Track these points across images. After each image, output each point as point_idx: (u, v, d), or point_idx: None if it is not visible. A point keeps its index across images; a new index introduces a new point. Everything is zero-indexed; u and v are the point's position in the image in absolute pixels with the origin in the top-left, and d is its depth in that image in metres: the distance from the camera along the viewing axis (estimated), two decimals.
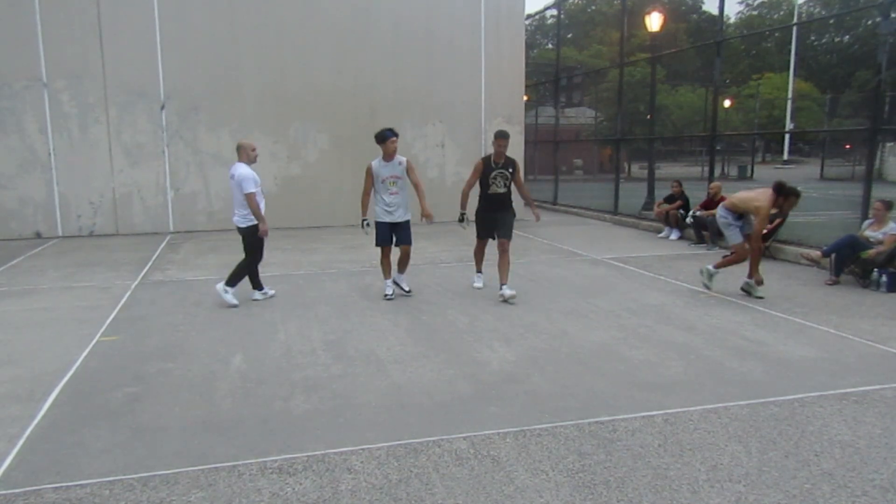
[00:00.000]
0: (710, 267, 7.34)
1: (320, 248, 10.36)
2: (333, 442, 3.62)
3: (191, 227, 12.66)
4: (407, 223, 6.94)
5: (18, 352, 5.29)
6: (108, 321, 6.18)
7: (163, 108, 12.35)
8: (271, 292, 7.16)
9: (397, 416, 3.98)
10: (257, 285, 7.07)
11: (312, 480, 3.22)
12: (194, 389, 4.44)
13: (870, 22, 35.95)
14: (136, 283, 7.92)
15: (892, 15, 8.77)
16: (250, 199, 6.56)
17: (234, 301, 6.75)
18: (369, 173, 6.80)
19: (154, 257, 9.75)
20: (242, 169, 6.61)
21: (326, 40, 12.96)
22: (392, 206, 6.83)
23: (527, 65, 15.36)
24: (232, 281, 6.79)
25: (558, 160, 18.47)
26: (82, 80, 11.88)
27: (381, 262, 7.00)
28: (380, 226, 6.87)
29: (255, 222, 6.67)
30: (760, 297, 6.97)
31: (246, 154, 6.71)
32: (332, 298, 7.07)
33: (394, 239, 7.00)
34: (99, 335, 5.72)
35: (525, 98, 15.77)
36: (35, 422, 3.93)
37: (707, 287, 7.29)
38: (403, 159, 6.84)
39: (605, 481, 3.20)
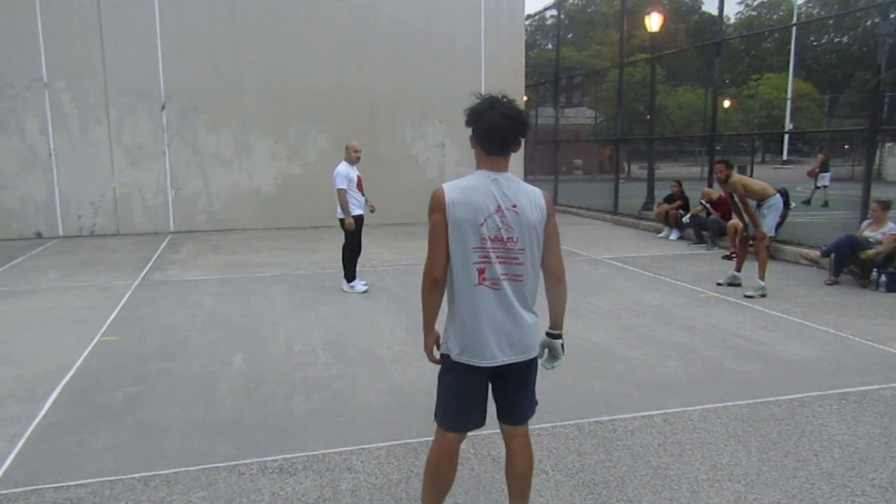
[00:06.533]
0: (759, 282, 7.06)
1: (320, 248, 10.35)
2: (333, 442, 3.63)
3: (191, 227, 12.67)
4: (531, 367, 2.57)
5: (19, 352, 5.29)
6: (109, 321, 6.19)
7: (163, 108, 12.36)
8: (361, 288, 7.36)
9: (397, 416, 3.98)
10: (349, 277, 7.48)
11: (312, 480, 3.22)
12: (194, 389, 4.44)
13: (869, 22, 35.95)
14: (136, 283, 7.93)
15: (892, 15, 8.79)
16: (339, 195, 7.12)
17: (364, 287, 7.35)
18: (440, 211, 2.41)
19: (154, 257, 9.76)
20: (338, 167, 7.24)
21: (326, 40, 12.97)
22: (502, 320, 2.44)
23: (527, 65, 15.38)
24: (349, 276, 7.40)
25: (558, 160, 18.47)
26: (83, 80, 11.89)
27: (431, 465, 2.62)
28: (457, 372, 2.51)
29: (351, 214, 7.23)
30: (738, 285, 7.39)
31: (348, 154, 7.31)
32: (332, 298, 7.08)
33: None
34: (99, 335, 5.73)
35: (525, 98, 15.79)
36: (36, 421, 3.93)
37: (763, 296, 7.00)
38: (537, 192, 2.52)
39: (604, 481, 3.20)
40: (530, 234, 2.43)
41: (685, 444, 3.58)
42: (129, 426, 3.86)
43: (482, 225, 2.38)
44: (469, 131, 2.50)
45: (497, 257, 2.40)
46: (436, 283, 2.44)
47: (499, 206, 2.39)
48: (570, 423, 3.85)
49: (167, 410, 4.09)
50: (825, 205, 16.56)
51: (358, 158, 7.35)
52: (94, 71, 11.90)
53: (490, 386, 2.56)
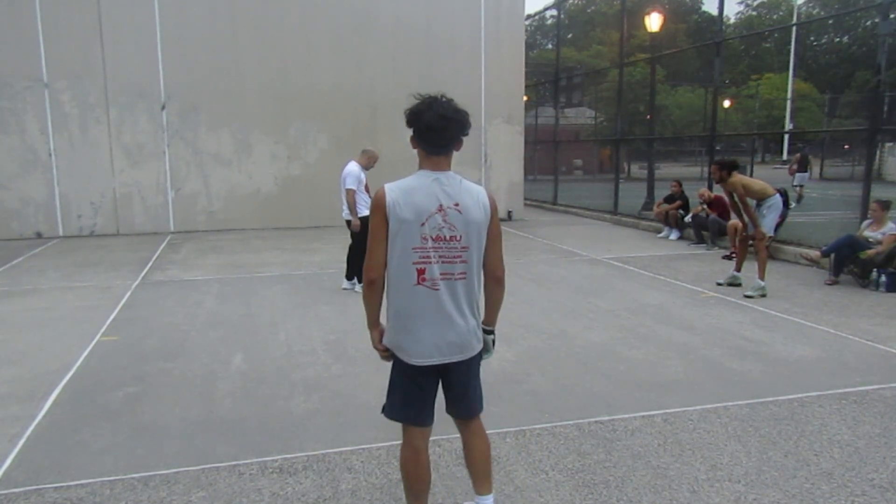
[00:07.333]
0: (759, 282, 7.06)
1: (320, 248, 10.36)
2: (333, 442, 3.63)
3: (191, 227, 12.67)
4: (473, 363, 2.60)
5: (19, 352, 5.30)
6: (109, 321, 6.19)
7: (163, 108, 12.36)
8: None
9: None
10: (352, 275, 7.44)
11: (312, 480, 3.22)
12: (194, 389, 4.44)
13: (869, 22, 35.96)
14: (136, 283, 7.93)
15: (892, 15, 8.79)
16: (349, 195, 7.08)
17: None
18: (380, 212, 2.42)
19: (154, 257, 9.76)
20: (350, 167, 7.18)
21: (326, 40, 12.97)
22: (440, 320, 2.46)
23: (527, 65, 15.38)
24: (350, 274, 7.38)
25: (558, 160, 18.48)
26: (83, 80, 11.89)
27: (403, 468, 2.64)
28: (400, 368, 2.58)
29: (358, 215, 7.16)
30: (738, 285, 7.39)
31: (365, 158, 7.30)
32: (332, 298, 7.08)
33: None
34: (99, 335, 5.73)
35: (525, 98, 15.79)
36: (36, 421, 3.93)
37: (763, 296, 6.99)
38: (481, 191, 2.54)
39: (604, 481, 3.20)
40: (474, 232, 2.44)
41: (685, 444, 3.58)
42: (129, 426, 3.86)
43: (423, 225, 2.39)
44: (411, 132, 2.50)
45: (439, 257, 2.41)
46: (372, 283, 2.47)
47: (441, 206, 2.41)
48: (570, 423, 3.85)
49: (167, 410, 4.09)
50: (798, 201, 16.56)
51: (372, 166, 7.38)
52: (94, 71, 11.90)
53: (436, 389, 2.60)
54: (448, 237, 2.41)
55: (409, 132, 2.51)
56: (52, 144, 11.88)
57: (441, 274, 2.42)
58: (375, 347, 2.62)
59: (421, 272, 2.41)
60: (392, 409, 2.62)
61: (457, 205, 2.41)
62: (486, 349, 2.67)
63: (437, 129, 2.41)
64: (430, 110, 2.41)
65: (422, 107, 2.44)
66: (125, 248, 10.75)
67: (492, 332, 2.69)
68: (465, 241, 2.43)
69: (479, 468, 2.68)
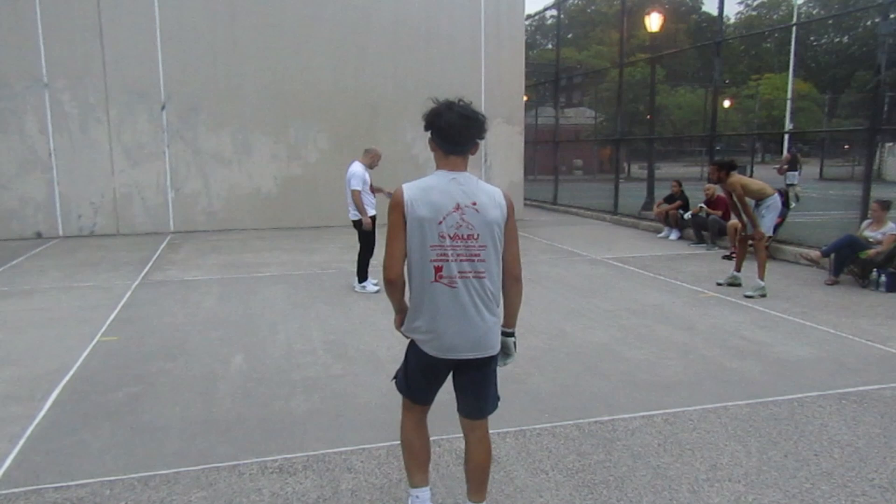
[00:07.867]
0: (759, 282, 7.06)
1: (320, 248, 10.36)
2: (333, 442, 3.63)
3: (191, 227, 12.67)
4: (492, 362, 2.62)
5: (19, 352, 5.29)
6: (109, 321, 6.18)
7: (163, 108, 12.36)
8: (373, 288, 7.29)
9: (397, 415, 3.95)
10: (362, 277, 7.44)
11: (312, 480, 3.22)
12: (194, 389, 4.44)
13: (869, 22, 35.95)
14: (136, 283, 7.93)
15: (892, 15, 8.79)
16: (355, 196, 7.06)
17: (375, 288, 7.23)
18: (398, 210, 2.46)
19: (154, 257, 9.76)
20: (353, 167, 7.17)
21: (326, 40, 12.97)
22: (458, 317, 2.48)
23: (527, 65, 15.38)
24: (360, 276, 7.33)
25: (558, 160, 18.48)
26: (83, 80, 11.89)
27: (405, 436, 2.76)
28: (417, 354, 2.59)
29: (367, 215, 7.16)
30: (738, 285, 7.39)
31: (368, 157, 7.27)
32: (332, 298, 7.08)
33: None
34: (99, 335, 5.73)
35: (525, 98, 15.79)
36: (36, 421, 3.93)
37: (763, 296, 6.99)
38: (497, 191, 2.61)
39: (604, 481, 3.20)
40: (491, 231, 2.46)
41: (685, 444, 3.58)
42: (129, 426, 3.86)
43: (441, 223, 2.42)
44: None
45: (456, 255, 2.43)
46: (390, 282, 2.52)
47: (458, 204, 2.43)
48: (570, 423, 3.85)
49: (167, 410, 4.09)
50: (797, 200, 16.58)
51: (376, 164, 7.37)
52: (94, 71, 11.90)
53: (452, 378, 2.62)
54: (466, 235, 2.43)
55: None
56: (51, 144, 11.88)
57: (459, 272, 2.44)
58: (397, 329, 2.68)
59: (438, 269, 2.43)
60: (403, 384, 2.70)
61: (474, 204, 2.45)
62: (508, 353, 2.66)
63: (460, 127, 2.45)
64: (451, 111, 2.46)
65: (441, 108, 2.49)
66: (125, 248, 10.75)
67: (512, 335, 2.67)
68: (483, 239, 2.45)
69: (475, 477, 2.67)
